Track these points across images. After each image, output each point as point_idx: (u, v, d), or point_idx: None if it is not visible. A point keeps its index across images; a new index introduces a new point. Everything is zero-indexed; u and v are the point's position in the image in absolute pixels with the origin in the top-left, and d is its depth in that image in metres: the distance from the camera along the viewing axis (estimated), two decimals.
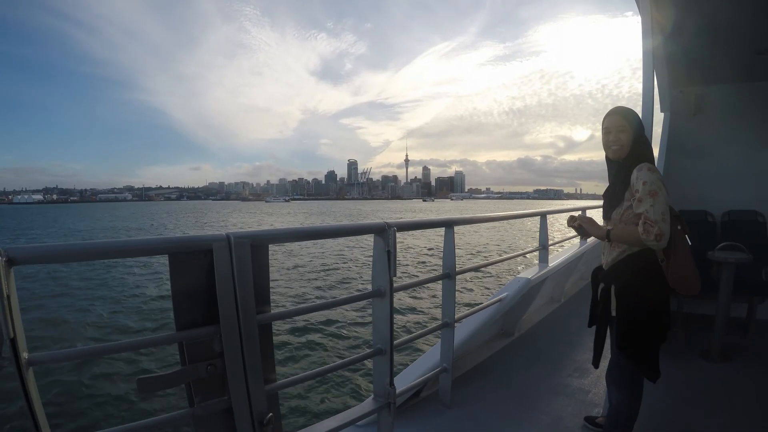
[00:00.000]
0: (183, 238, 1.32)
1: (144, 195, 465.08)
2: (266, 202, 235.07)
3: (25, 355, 1.04)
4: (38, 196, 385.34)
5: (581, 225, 2.16)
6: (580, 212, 3.75)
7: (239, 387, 1.38)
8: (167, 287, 1.34)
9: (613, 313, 2.03)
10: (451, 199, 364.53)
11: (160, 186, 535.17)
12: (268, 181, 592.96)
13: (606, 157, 2.14)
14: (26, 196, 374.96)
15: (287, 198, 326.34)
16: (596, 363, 2.19)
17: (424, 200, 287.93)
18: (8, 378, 1.03)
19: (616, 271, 2.03)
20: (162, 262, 14.09)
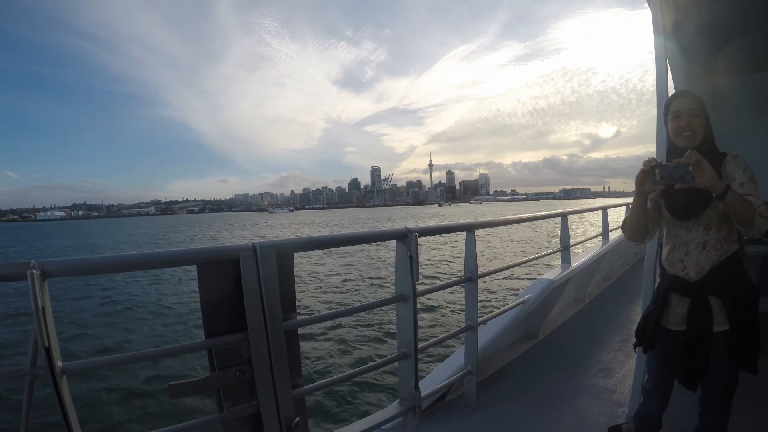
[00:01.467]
0: (211, 249, 1.37)
1: (167, 208, 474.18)
2: (270, 212, 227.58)
3: (59, 363, 1.09)
4: (60, 213, 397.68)
5: (698, 163, 1.50)
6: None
7: (267, 392, 1.42)
8: (196, 296, 1.39)
9: (717, 328, 1.69)
10: (470, 203, 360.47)
11: (187, 199, 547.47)
12: (292, 191, 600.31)
13: (669, 146, 1.84)
14: (49, 213, 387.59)
15: (291, 208, 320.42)
16: (695, 387, 1.80)
17: (440, 205, 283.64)
18: (44, 386, 1.09)
19: (725, 278, 1.69)
20: (190, 271, 14.37)
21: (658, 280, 1.98)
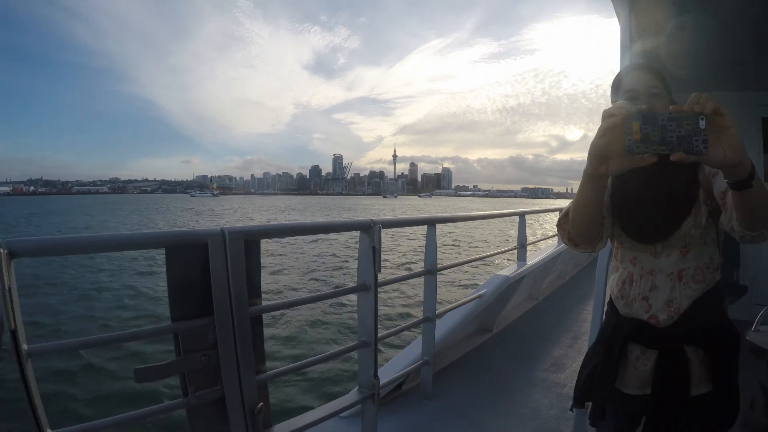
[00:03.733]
0: (179, 232, 1.37)
1: (118, 188, 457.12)
2: (191, 196, 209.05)
3: (24, 346, 1.08)
4: (5, 188, 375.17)
5: (718, 114, 0.85)
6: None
7: (232, 377, 1.44)
8: (163, 280, 1.38)
9: (696, 390, 1.21)
10: (419, 196, 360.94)
11: (146, 179, 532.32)
12: (252, 175, 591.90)
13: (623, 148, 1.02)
14: None
15: (216, 192, 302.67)
16: None
17: (385, 197, 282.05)
18: (8, 368, 1.07)
19: (707, 320, 1.21)
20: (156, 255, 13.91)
21: (604, 312, 1.46)
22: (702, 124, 0.84)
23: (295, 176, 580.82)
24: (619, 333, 1.30)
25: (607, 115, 0.96)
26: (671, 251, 1.22)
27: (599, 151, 0.99)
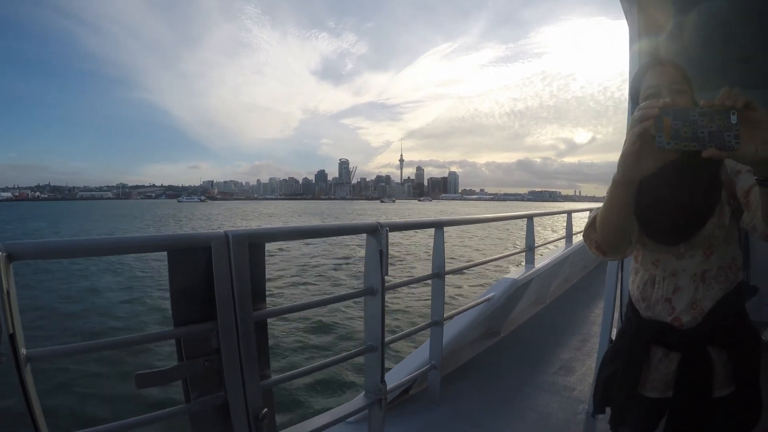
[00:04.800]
0: (182, 235, 1.34)
1: (122, 193, 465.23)
2: (178, 202, 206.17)
3: (23, 350, 1.05)
4: (7, 194, 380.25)
5: (750, 107, 0.83)
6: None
7: (235, 382, 1.41)
8: (165, 284, 1.36)
9: (719, 392, 1.20)
10: (419, 200, 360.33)
11: (153, 184, 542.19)
12: (258, 180, 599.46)
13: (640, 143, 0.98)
14: None
15: (203, 198, 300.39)
16: None
17: (383, 201, 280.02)
18: (6, 373, 1.05)
19: (730, 320, 1.21)
20: (159, 258, 13.97)
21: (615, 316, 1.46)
22: (733, 119, 0.82)
23: (301, 181, 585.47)
24: (641, 336, 1.29)
25: (637, 120, 0.94)
26: (695, 252, 1.20)
27: (633, 157, 0.98)
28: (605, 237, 1.21)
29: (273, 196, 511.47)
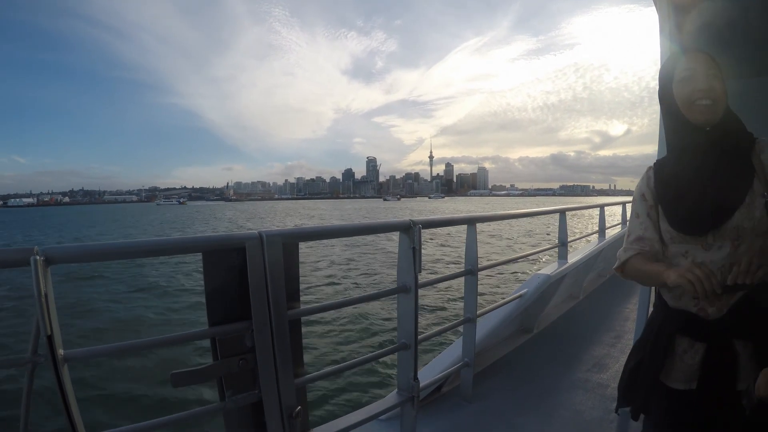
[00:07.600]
0: (217, 236, 1.36)
1: (145, 197, 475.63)
2: (157, 205, 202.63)
3: (60, 351, 1.07)
4: (29, 200, 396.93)
5: None
6: None
7: (270, 381, 1.42)
8: (200, 284, 1.37)
9: (743, 385, 1.16)
10: (429, 198, 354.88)
11: (184, 187, 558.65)
12: (286, 180, 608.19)
13: (677, 123, 1.25)
14: (18, 200, 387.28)
15: (182, 200, 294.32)
16: None
17: (386, 200, 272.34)
18: (45, 374, 1.08)
19: (757, 312, 1.15)
20: (195, 260, 14.28)
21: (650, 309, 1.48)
22: None
23: (328, 180, 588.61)
24: (667, 325, 1.29)
25: (694, 279, 1.06)
26: (723, 243, 1.18)
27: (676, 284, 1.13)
28: (634, 277, 1.37)
29: (288, 196, 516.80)
